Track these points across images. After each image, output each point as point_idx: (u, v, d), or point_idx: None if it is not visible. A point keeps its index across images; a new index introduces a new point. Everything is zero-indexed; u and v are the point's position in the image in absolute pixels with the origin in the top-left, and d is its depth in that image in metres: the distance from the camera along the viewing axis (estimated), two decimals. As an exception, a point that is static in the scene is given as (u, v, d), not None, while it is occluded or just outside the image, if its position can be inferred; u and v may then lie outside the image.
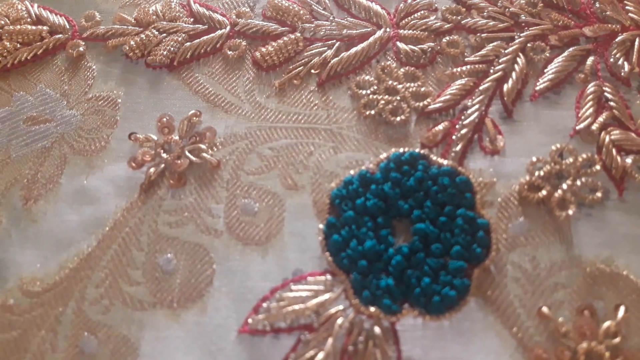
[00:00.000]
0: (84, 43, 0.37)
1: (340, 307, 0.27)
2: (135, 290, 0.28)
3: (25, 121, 0.34)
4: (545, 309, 0.26)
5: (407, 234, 0.29)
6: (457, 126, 0.32)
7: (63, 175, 0.32)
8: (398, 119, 0.32)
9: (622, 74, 0.33)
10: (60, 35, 0.37)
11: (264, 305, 0.27)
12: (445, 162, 0.30)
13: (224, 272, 0.29)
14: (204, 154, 0.32)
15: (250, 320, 0.27)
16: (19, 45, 0.37)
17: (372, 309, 0.27)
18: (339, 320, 0.26)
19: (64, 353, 0.27)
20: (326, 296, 0.27)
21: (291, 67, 0.35)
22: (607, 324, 0.26)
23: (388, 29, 0.35)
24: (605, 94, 0.32)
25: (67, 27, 0.38)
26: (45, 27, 0.38)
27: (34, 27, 0.37)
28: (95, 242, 0.30)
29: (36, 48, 0.37)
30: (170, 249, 0.29)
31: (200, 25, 0.36)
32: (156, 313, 0.28)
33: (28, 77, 0.36)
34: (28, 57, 0.37)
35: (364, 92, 0.33)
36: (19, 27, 0.37)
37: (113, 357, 0.27)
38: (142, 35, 0.36)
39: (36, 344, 0.27)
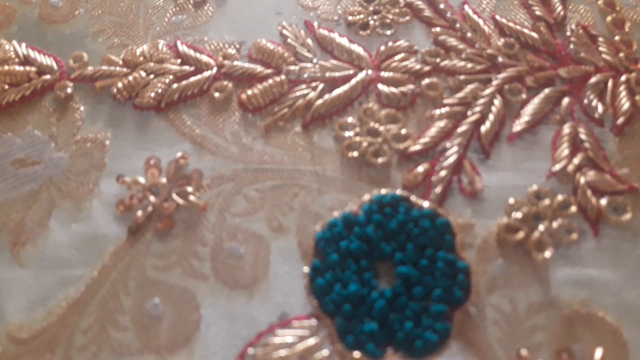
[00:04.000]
0: (72, 84, 0.37)
1: (325, 352, 0.27)
2: (123, 335, 0.29)
3: (13, 163, 0.35)
4: (524, 352, 0.27)
5: (390, 276, 0.29)
6: (436, 168, 0.33)
7: (51, 219, 0.32)
8: (380, 160, 0.33)
9: (596, 115, 0.34)
10: (48, 76, 0.38)
11: (250, 351, 0.28)
12: (426, 204, 0.31)
13: (211, 317, 0.29)
14: (191, 197, 0.32)
15: (236, 366, 0.27)
16: (6, 87, 0.37)
17: (357, 354, 0.27)
18: (324, 366, 0.27)
19: (52, 402, 0.27)
20: (311, 341, 0.28)
21: (276, 109, 0.35)
22: (583, 366, 0.27)
23: (370, 71, 0.36)
24: (580, 135, 0.34)
25: (55, 67, 0.38)
26: (33, 68, 0.38)
27: (21, 68, 0.38)
28: (84, 287, 0.30)
29: (24, 89, 0.37)
30: (157, 293, 0.30)
31: (187, 67, 0.37)
32: (144, 359, 0.28)
33: (16, 118, 0.36)
34: (16, 99, 0.37)
35: (347, 134, 0.34)
36: (6, 67, 0.38)
37: (101, 405, 0.27)
38: (130, 77, 0.37)
39: (24, 392, 0.28)
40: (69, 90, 0.37)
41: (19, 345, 0.29)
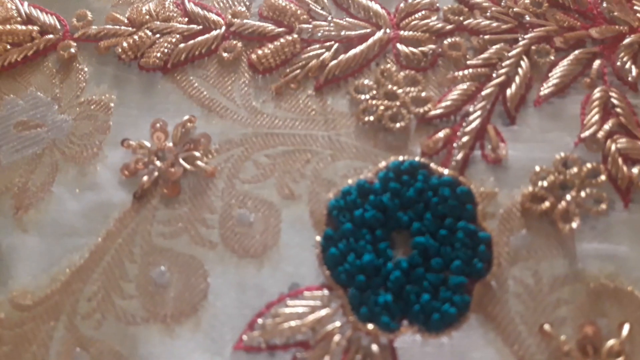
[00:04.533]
0: (75, 44, 0.36)
1: (337, 324, 0.26)
2: (128, 304, 0.28)
3: (16, 126, 0.34)
4: (547, 327, 0.26)
5: (406, 246, 0.28)
6: (458, 133, 0.31)
7: (55, 184, 0.32)
8: (398, 125, 0.31)
9: (630, 78, 0.32)
10: (51, 36, 0.36)
11: (260, 321, 0.27)
12: (446, 171, 0.29)
13: (219, 286, 0.28)
14: (199, 162, 0.31)
15: (245, 337, 0.27)
16: (8, 47, 0.36)
17: (370, 326, 0.26)
18: (336, 338, 0.26)
19: (56, 370, 0.27)
20: (323, 312, 0.27)
21: (288, 70, 0.34)
22: (610, 342, 0.25)
23: (388, 30, 0.34)
24: (612, 99, 0.31)
25: (59, 27, 0.37)
26: (35, 27, 0.36)
27: (24, 27, 0.36)
28: (88, 254, 0.29)
29: (26, 49, 0.36)
30: (163, 261, 0.29)
31: (195, 26, 0.35)
32: (149, 328, 0.27)
33: (18, 79, 0.35)
34: (18, 59, 0.36)
35: (362, 97, 0.32)
36: (8, 27, 0.36)
37: (105, 374, 0.26)
38: (135, 37, 0.35)
39: (27, 359, 0.27)
40: (73, 50, 0.35)
41: (22, 311, 0.28)
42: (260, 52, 0.34)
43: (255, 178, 0.31)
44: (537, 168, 0.29)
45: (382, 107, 0.32)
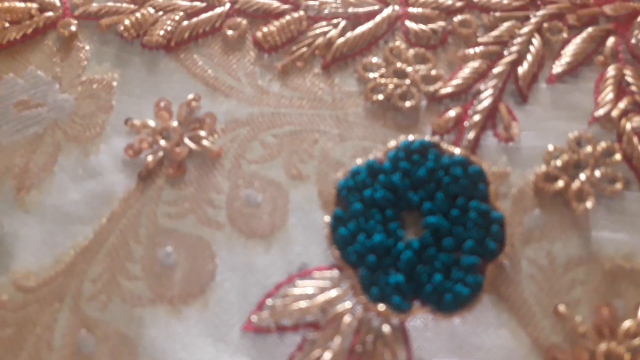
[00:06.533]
0: (75, 22, 0.35)
1: (348, 304, 0.26)
2: (134, 285, 0.27)
3: (16, 106, 0.33)
4: (562, 308, 0.25)
5: (417, 227, 0.28)
6: (469, 112, 0.30)
7: (57, 164, 0.31)
8: (407, 104, 0.30)
9: (644, 56, 0.31)
10: (50, 14, 0.35)
11: (268, 301, 0.26)
12: (457, 151, 0.29)
13: (227, 267, 0.27)
14: (204, 142, 0.30)
15: (254, 318, 0.26)
16: (7, 24, 0.35)
17: (381, 306, 0.25)
18: (346, 319, 0.25)
19: (61, 352, 0.26)
20: (333, 293, 0.26)
21: (294, 48, 0.33)
22: (627, 323, 0.25)
23: (396, 7, 0.33)
24: (626, 77, 0.31)
25: (58, 4, 0.36)
26: (34, 5, 0.35)
27: (22, 5, 0.35)
28: (92, 235, 0.29)
29: (26, 27, 0.35)
30: (169, 241, 0.28)
31: (199, 3, 0.35)
32: (156, 309, 0.27)
33: (18, 58, 0.34)
34: (17, 37, 0.35)
35: (371, 75, 0.32)
36: (7, 4, 0.35)
37: (112, 355, 0.26)
38: (138, 14, 0.34)
39: (32, 342, 0.26)
40: (73, 28, 0.35)
41: (26, 293, 0.27)
42: (265, 29, 0.33)
43: (262, 158, 0.30)
44: (551, 147, 0.29)
45: (391, 86, 0.31)
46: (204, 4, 0.34)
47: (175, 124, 0.31)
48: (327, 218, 0.28)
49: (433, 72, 0.31)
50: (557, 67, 0.31)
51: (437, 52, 0.32)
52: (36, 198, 0.30)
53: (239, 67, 0.33)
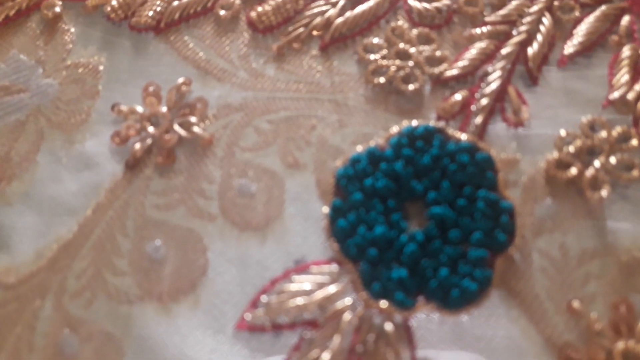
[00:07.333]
0: (60, 3, 0.33)
1: (348, 301, 0.24)
2: (121, 281, 0.26)
3: (-3, 91, 0.31)
4: (576, 303, 0.24)
5: (421, 218, 0.26)
6: (476, 95, 0.29)
7: (40, 153, 0.29)
8: (411, 87, 0.29)
9: (662, 35, 0.30)
10: (33, -6, 0.34)
11: (263, 298, 0.25)
12: (463, 136, 0.27)
13: (219, 261, 0.26)
14: (195, 128, 0.29)
15: (248, 316, 0.25)
16: (-12, 6, 0.33)
17: (383, 303, 0.24)
18: (346, 316, 0.24)
19: (42, 352, 0.25)
20: (332, 289, 0.25)
21: (290, 28, 0.31)
22: (646, 320, 0.24)
23: (399, -15, 0.32)
24: (643, 58, 0.29)
25: (42, -16, 0.34)
26: (16, -15, 0.34)
27: (4, -15, 0.34)
28: (77, 227, 0.27)
29: (7, 9, 0.33)
30: (158, 234, 0.27)
31: (189, -18, 0.33)
32: (144, 307, 0.25)
33: (-1, 41, 0.33)
34: (-1, 20, 0.33)
35: (372, 57, 0.30)
36: (-13, -15, 0.34)
37: (96, 356, 0.25)
38: (125, -6, 0.33)
39: (12, 341, 0.25)
40: (57, 9, 0.33)
41: (6, 290, 0.26)
42: (260, 9, 0.32)
43: (257, 145, 0.29)
44: (563, 132, 0.28)
45: (393, 68, 0.29)
46: (194, -17, 0.33)
47: (164, 109, 0.29)
48: (326, 209, 0.26)
49: (438, 53, 0.30)
50: (569, 48, 0.30)
51: (442, 32, 0.31)
52: (18, 189, 0.29)
53: (232, 49, 0.31)
